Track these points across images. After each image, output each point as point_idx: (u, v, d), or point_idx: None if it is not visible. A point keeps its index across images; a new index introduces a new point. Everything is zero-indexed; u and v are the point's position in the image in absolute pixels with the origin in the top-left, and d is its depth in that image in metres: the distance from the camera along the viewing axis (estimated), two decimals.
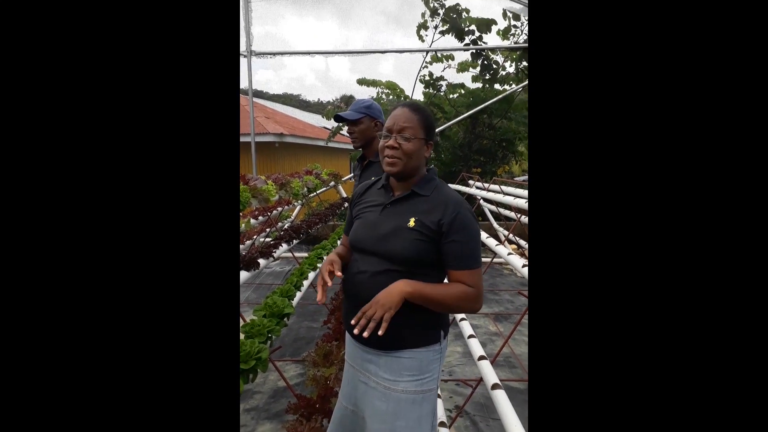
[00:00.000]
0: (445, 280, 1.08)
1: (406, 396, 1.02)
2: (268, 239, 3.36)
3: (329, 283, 1.02)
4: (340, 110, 8.44)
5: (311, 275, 2.73)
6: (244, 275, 1.91)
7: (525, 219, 3.53)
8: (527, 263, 2.17)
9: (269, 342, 1.66)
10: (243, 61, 5.63)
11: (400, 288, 0.97)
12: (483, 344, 3.08)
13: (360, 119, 1.75)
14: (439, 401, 1.68)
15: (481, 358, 1.91)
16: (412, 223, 1.03)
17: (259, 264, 2.04)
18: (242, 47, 5.58)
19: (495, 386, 1.65)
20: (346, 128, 1.87)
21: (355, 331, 0.96)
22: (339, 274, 1.03)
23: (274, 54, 5.82)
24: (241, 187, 1.87)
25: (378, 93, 8.09)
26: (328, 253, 3.30)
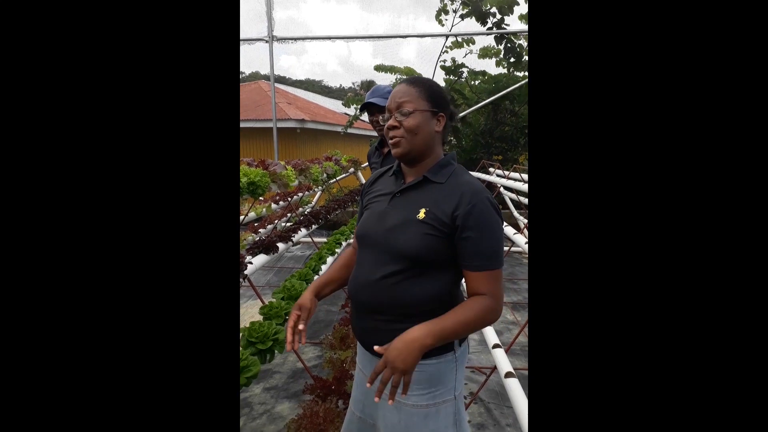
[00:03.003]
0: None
1: (417, 410, 0.93)
2: (288, 224, 3.42)
3: (295, 341, 0.94)
4: (361, 97, 8.42)
5: (330, 260, 2.77)
6: (263, 258, 1.95)
7: None
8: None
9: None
10: (265, 47, 5.65)
11: (419, 343, 0.81)
12: (500, 333, 3.08)
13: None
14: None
15: (496, 346, 1.92)
16: (422, 214, 0.91)
17: (278, 248, 2.09)
18: (264, 32, 5.60)
19: (508, 374, 1.65)
20: (368, 116, 1.86)
21: (376, 400, 0.83)
22: (301, 327, 0.94)
23: (295, 39, 5.81)
24: (261, 172, 1.90)
25: (396, 79, 7.99)
26: (346, 239, 3.33)
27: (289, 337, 0.95)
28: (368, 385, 0.84)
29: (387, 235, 0.94)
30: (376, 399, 0.81)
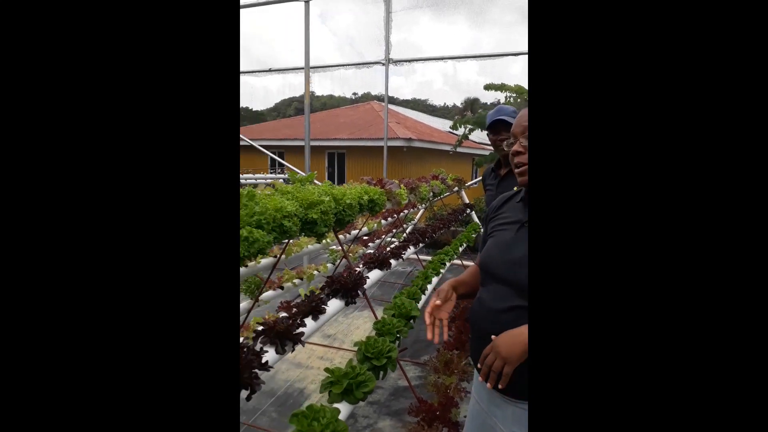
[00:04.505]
0: None
1: None
2: (393, 239, 3.48)
3: (436, 333, 0.94)
4: (465, 116, 8.39)
5: (435, 280, 2.75)
6: (378, 273, 2.01)
7: None
8: None
9: (398, 342, 1.72)
10: (381, 69, 5.94)
11: (525, 337, 0.81)
12: None
13: None
14: None
15: None
16: None
17: (390, 264, 2.13)
18: (381, 56, 5.89)
19: None
20: (491, 134, 1.83)
21: (479, 379, 0.84)
22: (443, 317, 0.96)
23: (410, 61, 6.01)
24: (380, 190, 1.97)
25: (506, 98, 7.69)
26: (450, 259, 3.29)
27: (428, 320, 0.94)
28: (480, 378, 0.84)
29: (511, 268, 0.90)
30: (489, 385, 0.83)
